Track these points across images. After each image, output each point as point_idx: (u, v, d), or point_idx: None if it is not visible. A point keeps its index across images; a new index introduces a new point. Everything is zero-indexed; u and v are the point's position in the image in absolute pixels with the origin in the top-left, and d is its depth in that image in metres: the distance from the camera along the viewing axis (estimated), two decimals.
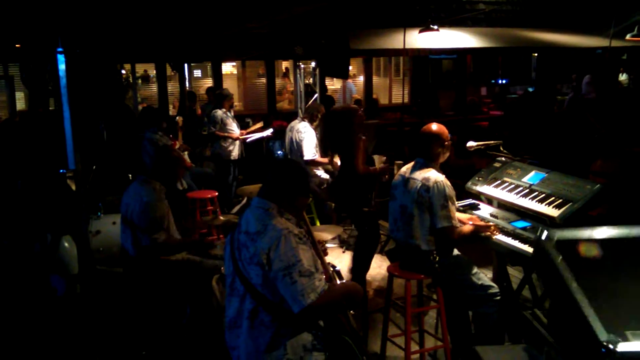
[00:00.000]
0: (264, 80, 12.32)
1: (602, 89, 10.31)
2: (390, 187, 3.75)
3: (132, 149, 6.82)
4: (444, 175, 3.48)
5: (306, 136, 6.15)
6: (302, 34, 7.97)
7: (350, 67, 11.97)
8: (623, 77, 13.27)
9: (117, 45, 8.40)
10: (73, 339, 4.01)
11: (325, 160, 6.33)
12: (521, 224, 3.59)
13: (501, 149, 4.33)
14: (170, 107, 11.64)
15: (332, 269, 2.95)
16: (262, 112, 11.66)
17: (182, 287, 3.77)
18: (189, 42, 8.91)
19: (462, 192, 4.09)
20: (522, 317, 3.66)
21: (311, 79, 8.69)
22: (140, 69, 12.43)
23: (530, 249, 3.27)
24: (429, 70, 12.66)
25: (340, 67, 7.48)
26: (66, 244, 4.53)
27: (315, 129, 6.32)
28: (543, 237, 2.13)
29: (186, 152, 7.05)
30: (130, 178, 5.70)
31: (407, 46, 7.03)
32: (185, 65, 11.22)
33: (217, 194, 6.17)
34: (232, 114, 7.66)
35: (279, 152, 8.34)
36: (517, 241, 3.40)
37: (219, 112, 7.35)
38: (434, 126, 3.60)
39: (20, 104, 11.01)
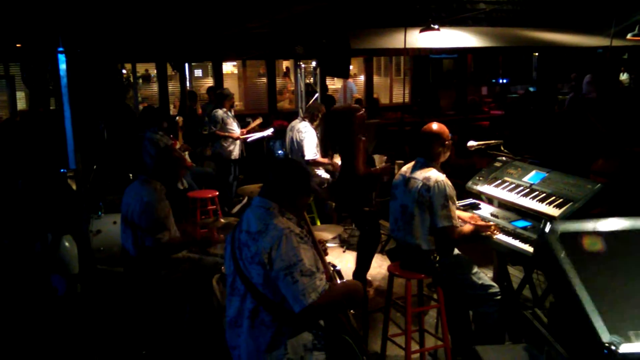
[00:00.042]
0: (264, 79, 12.33)
1: (603, 88, 10.31)
2: (391, 186, 3.75)
3: (132, 149, 6.83)
4: (444, 175, 3.48)
5: (307, 136, 6.15)
6: (303, 34, 7.97)
7: (351, 67, 11.96)
8: (624, 77, 13.26)
9: (117, 45, 8.41)
10: (73, 338, 4.01)
11: (326, 160, 6.33)
12: (522, 223, 3.60)
13: (502, 148, 4.33)
14: (171, 106, 11.64)
15: (332, 268, 2.96)
16: (262, 111, 11.66)
17: (182, 286, 3.77)
18: (190, 41, 8.92)
19: (463, 192, 4.09)
20: (522, 316, 3.66)
21: (312, 78, 8.68)
22: (141, 68, 12.43)
23: (530, 249, 3.27)
24: (430, 69, 12.66)
25: (341, 66, 7.48)
26: (67, 244, 4.53)
27: (315, 129, 6.32)
28: (546, 230, 2.02)
29: (187, 152, 7.05)
30: (131, 177, 5.71)
31: (407, 46, 7.02)
32: (186, 64, 11.24)
33: (217, 193, 6.17)
34: (233, 113, 7.67)
35: (279, 151, 8.34)
36: (517, 241, 3.40)
37: (220, 112, 7.35)
38: (435, 125, 3.60)
39: (21, 104, 11.01)
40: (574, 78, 11.69)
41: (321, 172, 6.28)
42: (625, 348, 1.68)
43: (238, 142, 7.45)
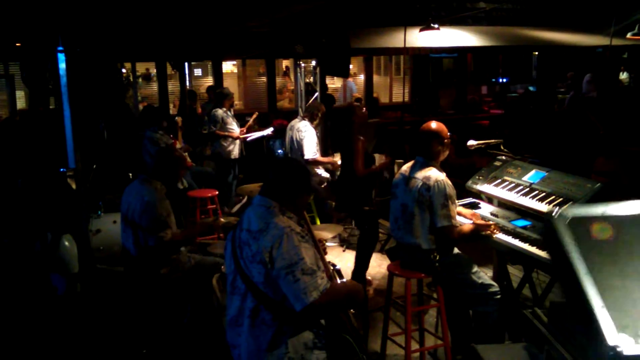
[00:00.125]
0: (264, 79, 12.32)
1: (602, 87, 10.31)
2: (391, 185, 3.76)
3: (132, 148, 6.82)
4: (444, 174, 3.48)
5: (307, 135, 6.15)
6: (303, 33, 7.97)
7: (351, 66, 11.94)
8: (624, 76, 13.26)
9: (117, 44, 8.41)
10: (73, 337, 4.01)
11: (326, 159, 6.33)
12: (521, 222, 3.60)
13: (502, 147, 4.33)
14: (171, 106, 11.64)
15: (332, 267, 2.96)
16: (262, 110, 11.63)
17: (183, 286, 3.78)
18: (190, 40, 8.92)
19: (463, 191, 4.09)
20: (522, 315, 3.65)
21: (312, 77, 8.67)
22: (141, 67, 12.42)
23: (530, 248, 3.27)
24: (430, 69, 12.65)
25: (341, 65, 7.48)
26: (66, 243, 4.53)
27: (315, 128, 6.32)
28: (555, 215, 1.81)
29: (187, 152, 7.05)
30: (131, 177, 5.71)
31: (407, 45, 7.02)
32: (186, 64, 11.22)
33: (217, 192, 6.17)
34: (233, 112, 7.66)
35: (279, 151, 8.33)
36: (517, 240, 3.40)
37: (220, 111, 7.35)
38: (433, 124, 3.60)
39: (21, 103, 11.00)
40: (571, 77, 11.69)
41: (321, 171, 6.28)
42: (633, 349, 1.53)
43: (238, 141, 7.45)
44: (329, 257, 3.10)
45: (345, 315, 2.57)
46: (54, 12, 4.86)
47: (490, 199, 4.05)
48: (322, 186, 6.07)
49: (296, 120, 6.45)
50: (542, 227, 3.43)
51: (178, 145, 6.81)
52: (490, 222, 3.57)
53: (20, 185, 5.74)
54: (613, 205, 1.85)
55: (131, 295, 3.98)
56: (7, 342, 3.96)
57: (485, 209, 3.94)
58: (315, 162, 6.17)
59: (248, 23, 7.69)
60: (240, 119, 8.11)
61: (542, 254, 3.18)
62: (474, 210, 3.85)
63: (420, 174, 3.48)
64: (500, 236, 3.49)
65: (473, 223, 3.59)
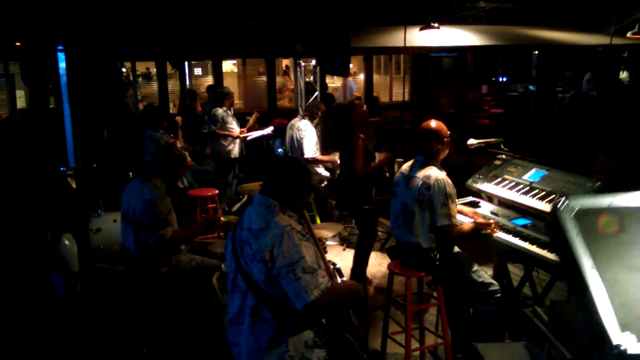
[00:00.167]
0: (264, 78, 12.31)
1: (602, 86, 10.30)
2: (392, 184, 3.76)
3: (132, 147, 6.82)
4: (444, 173, 3.48)
5: (307, 134, 6.15)
6: (303, 32, 7.97)
7: (351, 65, 11.92)
8: (624, 75, 13.24)
9: (117, 43, 8.41)
10: (74, 336, 4.01)
11: (326, 158, 6.33)
12: (521, 221, 3.60)
13: (502, 146, 4.33)
14: (171, 105, 11.63)
15: (332, 266, 2.96)
16: (262, 109, 11.63)
17: (183, 285, 3.78)
18: (190, 40, 8.91)
19: (463, 190, 4.09)
20: (522, 314, 3.65)
21: (312, 76, 8.67)
22: (141, 66, 12.42)
23: (530, 247, 3.27)
24: (430, 68, 12.64)
25: (341, 65, 7.48)
26: (67, 242, 4.53)
27: (315, 127, 6.32)
28: (560, 206, 1.70)
29: (187, 152, 7.05)
30: (131, 176, 5.70)
31: (407, 44, 7.01)
32: (186, 63, 11.22)
33: (217, 192, 6.17)
34: (233, 112, 7.66)
35: (279, 150, 8.33)
36: (517, 239, 3.40)
37: (220, 111, 7.35)
38: (433, 123, 3.61)
39: (21, 102, 10.99)
40: (569, 76, 11.67)
41: (321, 170, 6.28)
42: (637, 348, 1.48)
43: (238, 140, 7.45)
44: (329, 256, 3.11)
45: (346, 314, 2.58)
46: (54, 11, 4.86)
47: (490, 198, 4.05)
48: (323, 185, 6.07)
49: (296, 119, 6.45)
50: (543, 226, 3.44)
51: (178, 145, 6.81)
52: (491, 221, 3.58)
53: (21, 184, 5.74)
54: (620, 196, 1.76)
55: (131, 294, 3.98)
56: (7, 341, 3.96)
57: (486, 208, 3.94)
58: (315, 161, 6.17)
59: (248, 22, 7.69)
60: (240, 118, 8.11)
61: (543, 252, 3.19)
62: (475, 209, 3.85)
63: (421, 173, 3.48)
64: (501, 235, 3.49)
65: (473, 222, 3.59)
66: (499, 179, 3.94)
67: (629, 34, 7.53)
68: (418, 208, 3.45)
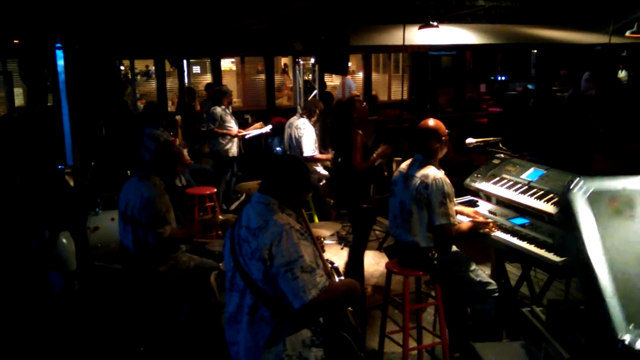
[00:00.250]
0: (263, 76, 12.31)
1: (601, 85, 10.30)
2: (390, 183, 3.75)
3: (130, 145, 6.81)
4: (442, 172, 3.48)
5: (305, 132, 6.14)
6: (302, 30, 7.96)
7: (350, 64, 11.95)
8: (622, 74, 13.25)
9: (115, 41, 8.38)
10: (71, 335, 4.01)
11: (325, 156, 6.32)
12: (520, 220, 3.59)
13: (500, 145, 4.32)
14: (169, 103, 11.62)
15: (330, 265, 2.96)
16: (261, 108, 11.64)
17: (181, 284, 3.77)
18: (188, 38, 8.89)
19: (461, 189, 4.08)
20: (520, 314, 3.66)
21: (310, 75, 8.69)
22: (140, 64, 12.40)
23: (528, 246, 3.27)
24: (429, 66, 12.64)
25: (340, 63, 7.47)
26: (64, 240, 4.53)
27: (313, 125, 6.31)
28: (573, 188, 1.59)
29: (185, 149, 7.04)
30: (129, 174, 5.70)
31: (406, 42, 7.01)
32: (184, 61, 11.21)
33: (215, 190, 6.16)
34: (231, 110, 7.65)
35: (277, 148, 8.33)
36: (515, 238, 3.39)
37: (218, 109, 7.33)
38: (431, 122, 3.61)
39: (19, 100, 10.98)
40: (564, 75, 11.66)
41: (320, 169, 6.27)
42: None
43: (236, 139, 7.44)
44: (327, 255, 3.11)
45: (343, 313, 2.57)
46: (52, 9, 4.84)
47: (488, 197, 4.05)
48: (321, 184, 6.06)
49: (295, 117, 6.44)
50: (542, 225, 3.43)
51: (178, 142, 6.80)
52: (489, 220, 3.57)
53: (18, 182, 5.73)
54: (633, 179, 1.69)
55: (129, 292, 3.97)
56: (5, 340, 3.96)
57: (484, 207, 3.94)
58: (314, 160, 6.16)
59: (247, 20, 7.67)
60: (239, 116, 8.10)
61: (540, 252, 3.18)
62: (475, 209, 3.85)
63: (419, 172, 3.48)
64: (499, 234, 3.49)
65: (471, 221, 3.59)
66: (497, 178, 3.94)
67: (627, 33, 7.54)
68: (416, 207, 3.45)
